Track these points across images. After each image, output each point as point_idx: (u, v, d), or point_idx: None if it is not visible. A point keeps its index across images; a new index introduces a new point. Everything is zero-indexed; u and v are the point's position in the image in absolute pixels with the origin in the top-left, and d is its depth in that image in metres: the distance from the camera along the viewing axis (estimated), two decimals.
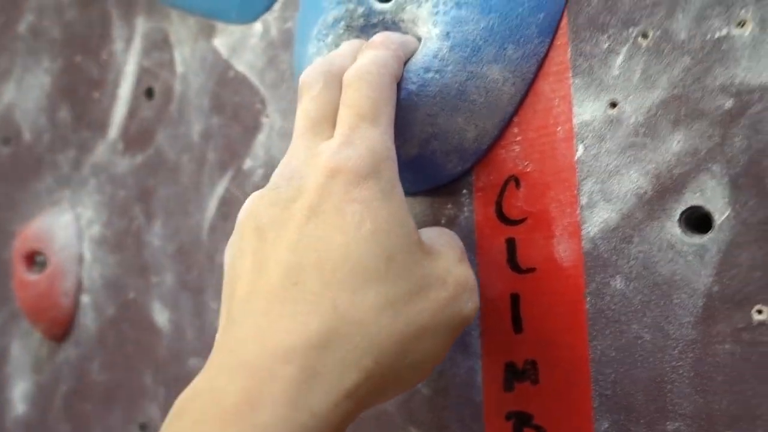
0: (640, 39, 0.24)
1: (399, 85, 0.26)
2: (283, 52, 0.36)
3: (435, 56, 0.26)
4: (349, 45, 0.27)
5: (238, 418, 0.19)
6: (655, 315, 0.23)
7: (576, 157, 0.26)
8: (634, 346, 0.24)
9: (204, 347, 0.39)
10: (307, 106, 0.25)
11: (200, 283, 0.40)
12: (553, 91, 0.26)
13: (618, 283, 0.24)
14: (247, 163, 0.38)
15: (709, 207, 0.23)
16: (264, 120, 0.37)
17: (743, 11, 0.22)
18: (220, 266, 0.38)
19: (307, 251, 0.21)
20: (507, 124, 0.27)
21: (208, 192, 0.40)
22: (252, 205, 0.24)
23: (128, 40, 0.46)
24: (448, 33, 0.26)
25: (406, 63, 0.26)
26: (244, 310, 0.22)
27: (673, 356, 0.23)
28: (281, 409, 0.19)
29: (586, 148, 0.25)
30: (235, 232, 0.25)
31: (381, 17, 0.28)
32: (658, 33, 0.24)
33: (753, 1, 0.22)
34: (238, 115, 0.38)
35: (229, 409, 0.19)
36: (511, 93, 0.27)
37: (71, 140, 0.50)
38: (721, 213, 0.22)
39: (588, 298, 0.25)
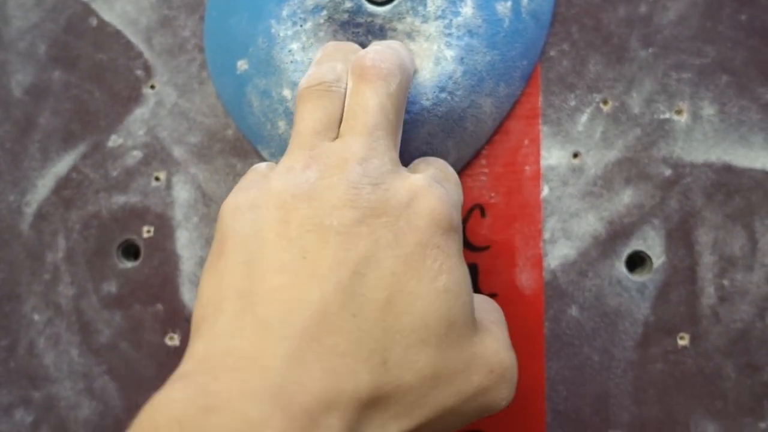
0: (602, 105, 0.29)
1: (413, 99, 0.25)
2: (186, 17, 0.30)
3: (450, 78, 0.26)
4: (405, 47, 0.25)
5: None
6: (604, 340, 0.28)
7: (542, 196, 0.28)
8: (585, 366, 0.28)
9: (13, 374, 0.29)
10: (385, 102, 0.21)
11: (11, 288, 0.30)
12: (524, 133, 0.29)
13: (573, 311, 0.28)
14: (114, 141, 0.30)
15: (650, 252, 0.28)
16: (147, 91, 0.30)
17: (681, 102, 0.28)
18: (54, 267, 0.29)
19: (377, 284, 0.19)
20: (476, 155, 0.29)
21: (36, 167, 0.30)
22: (308, 187, 0.20)
23: None
24: (462, 58, 0.26)
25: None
26: (283, 319, 0.18)
27: (616, 374, 0.28)
28: None
29: (551, 189, 0.28)
30: (265, 202, 0.20)
31: (369, 19, 0.27)
32: (617, 104, 0.29)
33: (688, 96, 0.28)
34: (103, 78, 0.30)
35: None
36: (490, 127, 0.28)
37: None
38: (657, 258, 0.28)
39: (546, 324, 0.28)
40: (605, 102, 0.29)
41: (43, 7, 0.31)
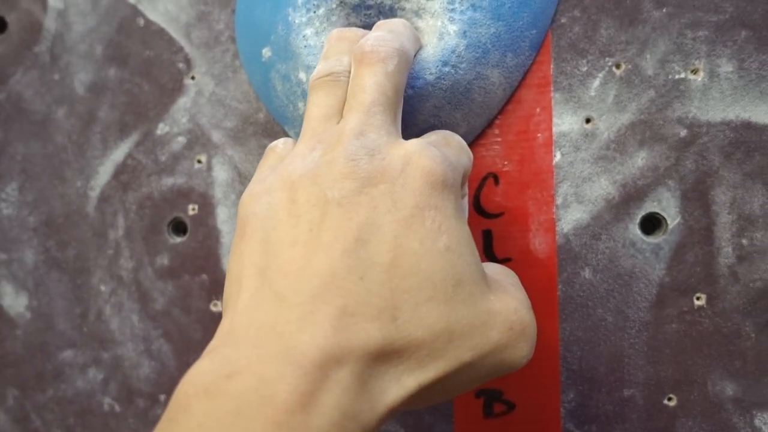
0: (614, 68, 0.29)
1: (416, 74, 0.27)
2: (219, 11, 0.33)
3: (453, 52, 0.27)
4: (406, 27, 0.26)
5: (291, 419, 0.17)
6: (618, 301, 0.28)
7: (554, 162, 0.29)
8: (599, 327, 0.28)
9: (86, 338, 0.33)
10: (382, 81, 0.22)
11: (82, 263, 0.34)
12: (536, 101, 0.29)
13: (587, 273, 0.28)
14: (162, 129, 0.33)
15: (664, 214, 0.28)
16: (188, 82, 0.33)
17: (697, 61, 0.28)
18: (116, 243, 0.33)
19: (381, 248, 0.20)
20: (489, 125, 0.30)
21: (98, 155, 0.34)
22: (313, 165, 0.21)
23: None
24: (465, 32, 0.27)
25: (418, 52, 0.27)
26: (295, 288, 0.19)
27: (631, 335, 0.28)
28: (334, 416, 0.18)
29: (563, 155, 0.29)
30: (278, 185, 0.22)
31: (379, 1, 0.28)
32: (630, 66, 0.29)
33: (705, 54, 0.28)
34: (150, 72, 0.33)
35: (281, 407, 0.17)
36: (500, 97, 0.29)
37: None
38: (672, 219, 0.28)
39: (560, 286, 0.29)
40: (618, 65, 0.29)
41: (98, 12, 0.34)
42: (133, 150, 0.34)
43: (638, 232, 0.28)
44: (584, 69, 0.29)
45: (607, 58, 0.29)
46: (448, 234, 0.20)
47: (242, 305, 0.20)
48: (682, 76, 0.28)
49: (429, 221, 0.20)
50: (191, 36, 0.33)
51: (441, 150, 0.22)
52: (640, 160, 0.28)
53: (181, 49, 0.33)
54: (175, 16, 0.33)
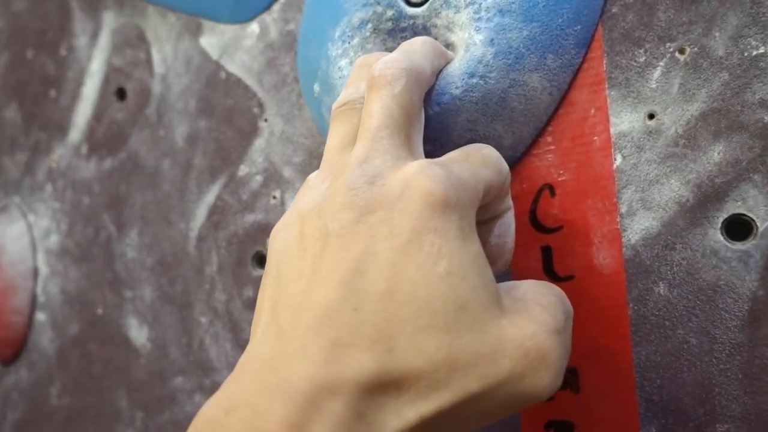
0: (677, 54, 0.25)
1: (442, 90, 0.26)
2: (285, 55, 0.35)
3: (480, 62, 0.26)
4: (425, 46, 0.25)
5: None
6: (701, 320, 0.24)
7: (614, 166, 0.26)
8: (681, 351, 0.25)
9: (192, 365, 0.36)
10: (389, 104, 0.22)
11: (186, 297, 0.37)
12: (589, 102, 0.27)
13: (661, 289, 0.25)
14: (243, 170, 0.36)
15: (752, 215, 0.24)
16: (262, 124, 0.35)
17: None
18: (211, 278, 0.36)
19: (376, 277, 0.19)
20: (540, 133, 0.28)
21: (194, 199, 0.37)
22: (320, 198, 0.21)
23: (93, 36, 0.43)
24: (492, 39, 0.26)
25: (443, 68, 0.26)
26: (294, 321, 0.20)
27: (720, 359, 0.24)
28: None
29: (624, 158, 0.26)
30: (292, 219, 0.22)
31: (411, 21, 0.28)
32: (696, 49, 0.25)
33: None
34: (231, 119, 0.36)
35: None
36: (547, 102, 0.27)
37: (21, 142, 0.46)
38: (763, 220, 0.23)
39: (631, 305, 0.25)
40: (681, 50, 0.25)
41: (191, 72, 0.38)
42: (221, 192, 0.37)
43: (721, 238, 0.24)
44: (642, 59, 0.26)
45: (668, 44, 0.25)
46: (450, 257, 0.19)
47: (255, 340, 0.21)
48: (762, 51, 0.24)
49: (427, 246, 0.19)
50: (263, 81, 0.35)
51: (450, 167, 0.21)
52: (717, 154, 0.24)
53: (255, 94, 0.36)
54: (249, 66, 0.36)
